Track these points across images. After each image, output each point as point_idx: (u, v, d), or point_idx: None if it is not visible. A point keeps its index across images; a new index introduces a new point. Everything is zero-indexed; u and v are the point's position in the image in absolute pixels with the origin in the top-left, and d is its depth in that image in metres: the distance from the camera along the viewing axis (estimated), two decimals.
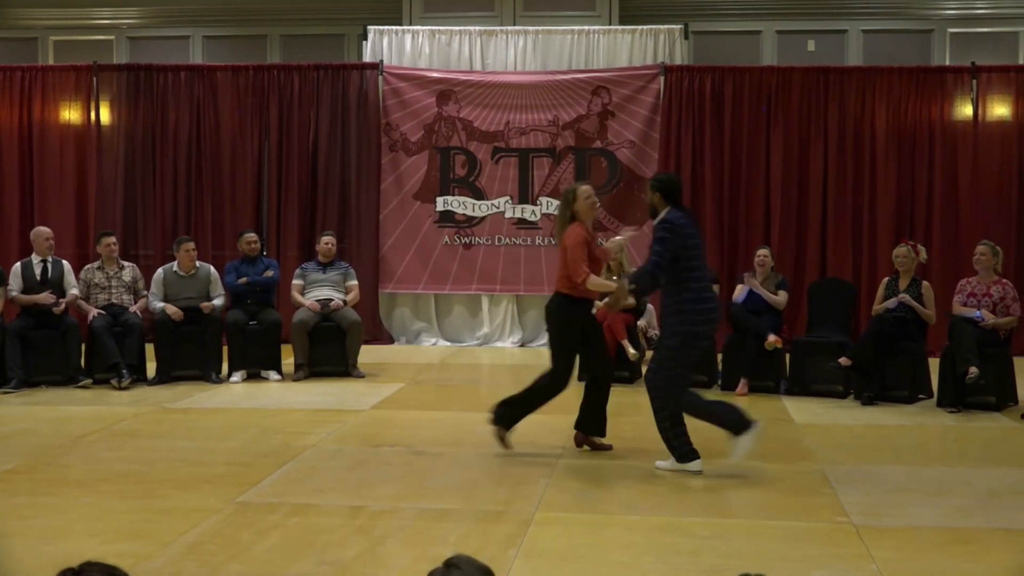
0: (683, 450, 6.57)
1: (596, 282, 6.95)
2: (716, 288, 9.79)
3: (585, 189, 7.11)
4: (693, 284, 6.45)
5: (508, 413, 7.12)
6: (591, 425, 7.20)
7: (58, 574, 2.33)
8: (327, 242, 10.82)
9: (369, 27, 13.47)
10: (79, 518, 5.59)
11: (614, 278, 10.26)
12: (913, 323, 9.17)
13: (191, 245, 10.43)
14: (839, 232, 12.80)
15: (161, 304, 10.05)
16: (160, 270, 10.39)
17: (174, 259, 10.44)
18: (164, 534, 5.28)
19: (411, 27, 13.58)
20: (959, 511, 5.82)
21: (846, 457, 7.14)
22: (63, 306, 9.94)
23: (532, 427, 7.30)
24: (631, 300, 7.74)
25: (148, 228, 13.36)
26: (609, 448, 7.21)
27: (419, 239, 13.30)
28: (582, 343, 7.06)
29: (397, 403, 9.22)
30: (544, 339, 13.23)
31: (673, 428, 6.57)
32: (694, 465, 6.56)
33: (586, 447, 7.22)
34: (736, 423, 6.50)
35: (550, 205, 13.17)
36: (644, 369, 10.27)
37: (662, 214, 6.56)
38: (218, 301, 10.27)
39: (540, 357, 12.35)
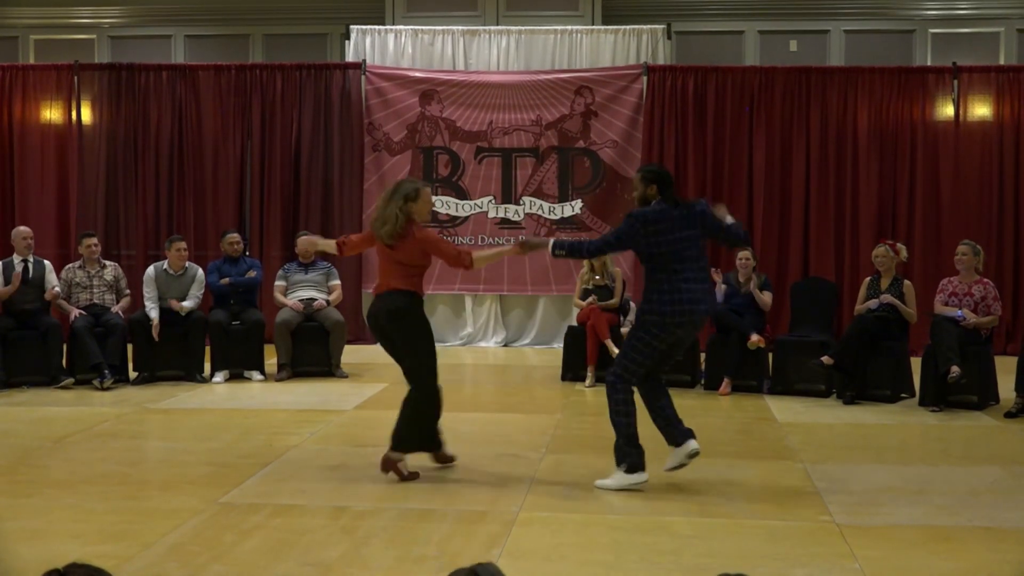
0: (633, 460, 6.15)
1: (482, 255, 6.65)
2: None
3: (429, 192, 6.61)
4: (672, 278, 6.02)
5: (405, 439, 6.45)
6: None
7: (43, 575, 2.32)
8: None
9: (352, 27, 13.44)
10: (60, 519, 5.56)
11: (596, 277, 10.29)
12: (895, 322, 9.20)
13: (183, 244, 10.38)
14: (821, 231, 12.84)
15: (154, 316, 9.96)
16: (151, 268, 10.32)
17: (158, 259, 10.40)
18: (146, 535, 5.25)
19: (394, 27, 13.56)
20: (941, 510, 5.84)
21: (828, 456, 7.16)
22: (52, 293, 9.88)
23: (514, 428, 7.31)
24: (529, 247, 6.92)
25: (130, 228, 13.31)
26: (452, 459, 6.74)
27: None
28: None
29: (380, 403, 9.20)
30: (528, 339, 13.34)
31: (627, 431, 6.17)
32: (637, 477, 6.14)
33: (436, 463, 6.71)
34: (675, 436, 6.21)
35: (533, 205, 13.18)
36: None
37: (643, 208, 6.17)
38: (189, 303, 10.16)
39: (524, 356, 12.44)
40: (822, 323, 9.96)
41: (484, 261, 6.70)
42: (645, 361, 6.15)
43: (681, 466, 6.24)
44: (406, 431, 6.43)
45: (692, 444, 6.19)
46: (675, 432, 6.24)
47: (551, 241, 6.42)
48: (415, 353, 6.46)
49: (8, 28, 14.55)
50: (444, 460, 6.72)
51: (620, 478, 6.14)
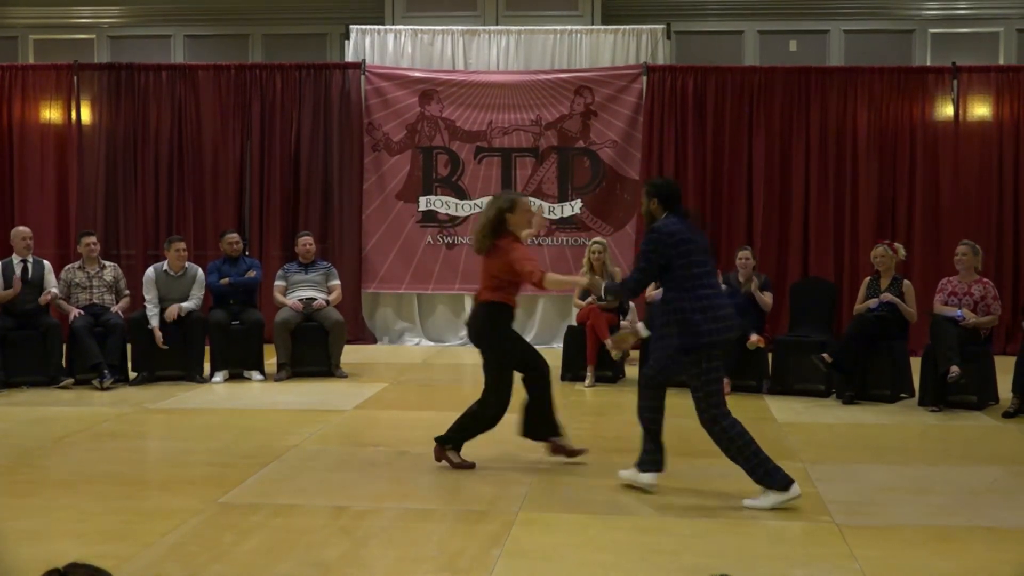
0: (770, 474, 5.83)
1: (555, 278, 6.76)
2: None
3: (526, 201, 6.77)
4: (699, 292, 5.86)
5: (455, 436, 6.76)
6: (544, 427, 6.83)
7: (43, 575, 2.32)
8: (305, 242, 10.79)
9: (351, 26, 13.45)
10: (60, 519, 5.56)
11: (596, 278, 10.27)
12: (894, 322, 9.20)
13: (182, 245, 10.38)
14: (821, 231, 12.84)
15: (155, 323, 9.96)
16: (151, 269, 10.31)
17: (157, 259, 10.39)
18: (146, 535, 5.25)
19: (393, 27, 13.56)
20: (941, 509, 5.84)
21: (828, 456, 7.17)
22: (48, 297, 9.88)
23: (513, 428, 7.28)
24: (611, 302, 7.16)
25: (129, 228, 13.31)
26: (582, 452, 6.88)
27: (402, 239, 13.29)
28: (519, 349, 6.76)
29: (380, 403, 9.21)
30: (528, 338, 13.26)
31: (744, 450, 5.88)
32: (793, 490, 5.77)
33: (561, 456, 6.83)
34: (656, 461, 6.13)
35: (533, 205, 13.16)
36: (627, 369, 10.37)
37: (657, 222, 6.04)
38: (190, 304, 10.13)
39: None
40: (822, 323, 9.96)
41: (555, 284, 6.72)
42: (716, 385, 6.05)
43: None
44: (455, 429, 6.73)
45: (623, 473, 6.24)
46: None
47: (603, 284, 6.59)
48: (489, 367, 6.68)
49: (8, 28, 14.55)
50: (574, 452, 6.84)
51: (775, 497, 5.80)
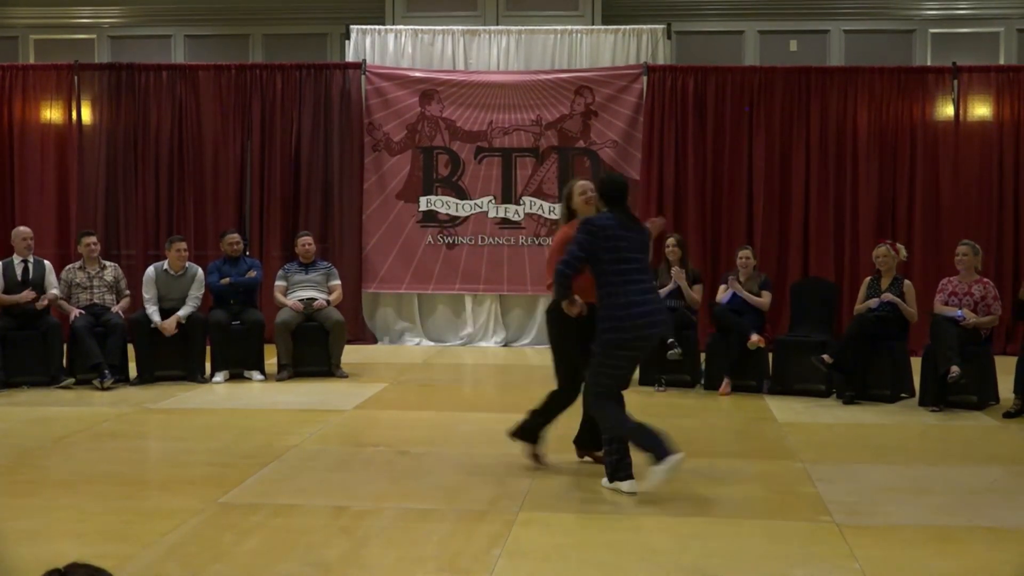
0: (614, 466, 6.16)
1: (558, 289, 6.55)
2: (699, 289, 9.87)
3: (580, 185, 6.73)
4: (620, 289, 6.03)
5: (527, 427, 6.77)
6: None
7: (44, 575, 2.32)
8: (304, 243, 10.78)
9: (352, 27, 13.45)
10: (60, 519, 5.56)
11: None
12: (895, 322, 9.20)
13: (183, 245, 10.38)
14: (821, 231, 12.84)
15: (157, 319, 9.96)
16: (151, 269, 10.32)
17: (158, 259, 10.39)
18: (146, 535, 5.25)
19: (394, 27, 13.57)
20: (941, 509, 5.84)
21: (828, 456, 7.16)
22: (45, 301, 9.89)
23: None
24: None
25: (130, 228, 13.31)
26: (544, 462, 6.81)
27: (402, 239, 13.29)
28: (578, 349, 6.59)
29: (380, 403, 9.21)
30: (528, 338, 13.33)
31: (611, 442, 6.18)
32: (625, 486, 6.08)
33: (587, 458, 6.88)
34: (659, 449, 6.01)
35: (533, 205, 13.19)
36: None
37: (592, 216, 6.29)
38: (186, 310, 10.11)
39: (523, 357, 12.43)
40: (822, 323, 9.95)
41: (554, 289, 6.38)
42: (613, 383, 6.23)
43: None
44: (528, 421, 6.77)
45: None
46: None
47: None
48: (554, 356, 6.68)
49: (8, 28, 14.56)
50: (536, 458, 6.80)
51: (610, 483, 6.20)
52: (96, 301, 10.07)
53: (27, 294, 9.81)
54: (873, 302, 9.26)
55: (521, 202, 13.25)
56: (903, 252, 9.58)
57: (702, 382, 9.81)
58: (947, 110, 12.85)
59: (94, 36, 14.48)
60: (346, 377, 10.35)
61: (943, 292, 9.18)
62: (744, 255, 9.99)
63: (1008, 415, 8.52)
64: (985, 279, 9.23)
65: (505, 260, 13.23)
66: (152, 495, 6.15)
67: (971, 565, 4.91)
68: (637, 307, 6.06)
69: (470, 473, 6.61)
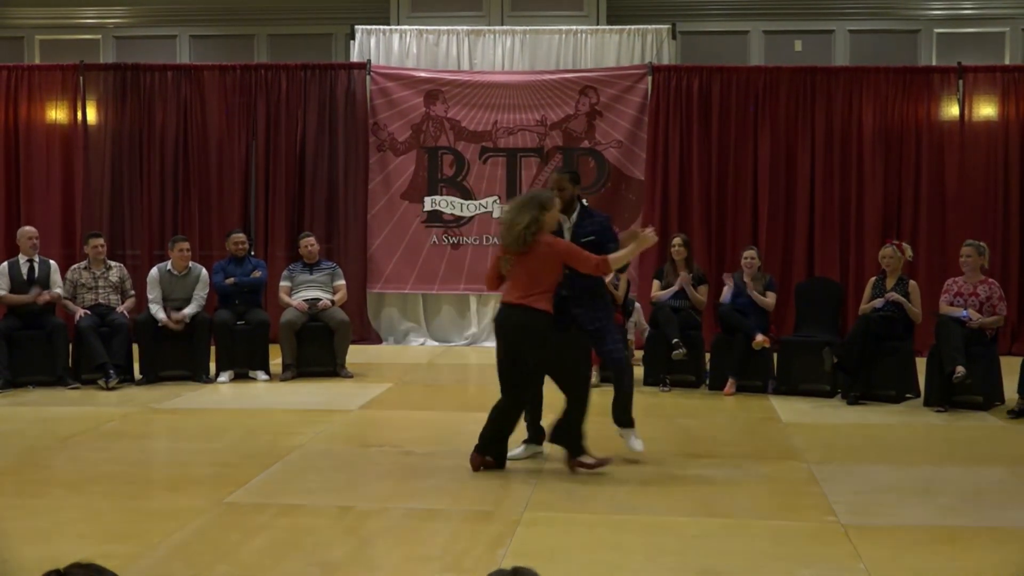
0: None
1: (617, 256, 6.56)
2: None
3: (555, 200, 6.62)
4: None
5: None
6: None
7: (43, 575, 2.32)
8: (307, 244, 10.78)
9: (357, 27, 13.45)
10: (66, 519, 5.57)
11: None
12: (900, 322, 9.19)
13: (185, 245, 10.38)
14: (826, 232, 12.82)
15: (163, 316, 9.97)
16: (155, 269, 10.33)
17: (163, 259, 10.40)
18: (152, 535, 5.26)
19: (399, 27, 13.57)
20: (946, 510, 5.84)
21: (833, 456, 7.15)
22: (47, 296, 9.89)
23: (519, 428, 7.29)
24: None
25: (135, 228, 13.31)
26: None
27: (407, 239, 13.29)
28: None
29: (385, 403, 9.22)
30: None
31: None
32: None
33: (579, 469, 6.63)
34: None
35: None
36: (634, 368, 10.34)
37: (588, 207, 6.99)
38: (190, 309, 10.11)
39: None
40: (827, 323, 9.93)
41: (619, 262, 6.60)
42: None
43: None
44: (488, 432, 6.76)
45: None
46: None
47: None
48: (518, 368, 6.87)
49: (13, 28, 14.57)
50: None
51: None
52: (101, 301, 10.08)
53: (33, 295, 9.81)
54: (878, 302, 9.25)
55: None
56: (909, 252, 9.57)
57: (707, 382, 9.80)
58: (952, 110, 12.83)
59: (99, 36, 14.49)
60: (351, 377, 10.35)
61: (948, 292, 9.17)
62: (749, 255, 9.98)
63: (1012, 414, 8.50)
64: (990, 279, 9.22)
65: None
66: (157, 495, 6.16)
67: (976, 566, 4.91)
68: None
69: (475, 474, 6.60)
